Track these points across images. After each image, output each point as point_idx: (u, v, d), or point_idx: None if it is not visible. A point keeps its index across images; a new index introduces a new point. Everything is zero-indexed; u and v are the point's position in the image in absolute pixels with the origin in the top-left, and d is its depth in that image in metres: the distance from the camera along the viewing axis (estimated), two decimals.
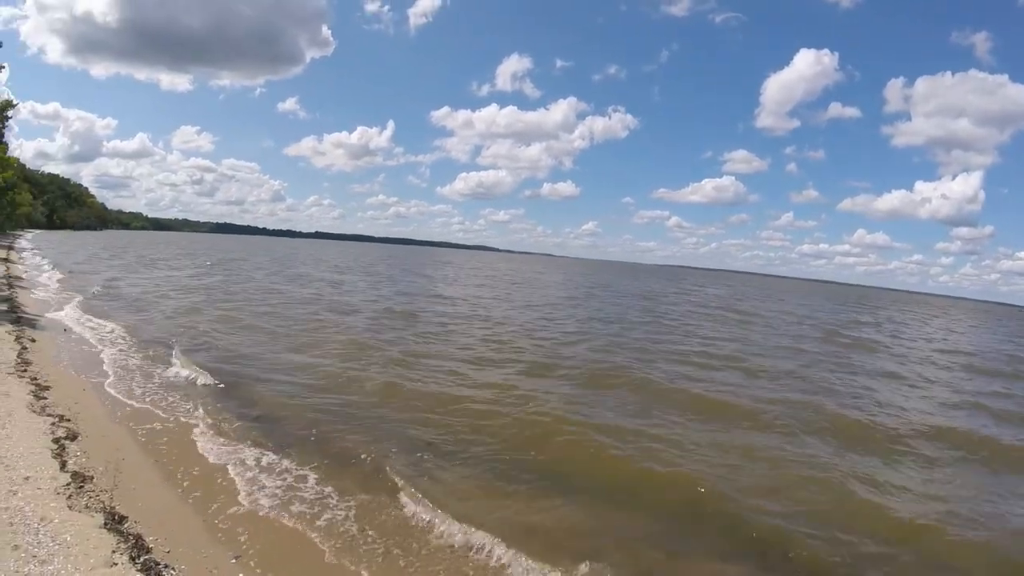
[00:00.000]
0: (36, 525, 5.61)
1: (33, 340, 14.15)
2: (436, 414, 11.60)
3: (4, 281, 25.63)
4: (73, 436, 8.43)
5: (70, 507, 6.20)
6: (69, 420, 9.06)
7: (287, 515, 7.23)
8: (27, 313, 18.19)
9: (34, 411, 9.11)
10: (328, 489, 7.99)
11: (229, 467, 8.47)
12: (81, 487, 6.81)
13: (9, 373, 10.86)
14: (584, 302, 42.47)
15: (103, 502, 6.55)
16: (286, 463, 8.70)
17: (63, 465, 7.31)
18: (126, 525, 6.10)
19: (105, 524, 5.97)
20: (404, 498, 7.82)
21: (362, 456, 9.25)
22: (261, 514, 7.20)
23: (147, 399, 11.24)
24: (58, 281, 29.70)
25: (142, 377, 12.78)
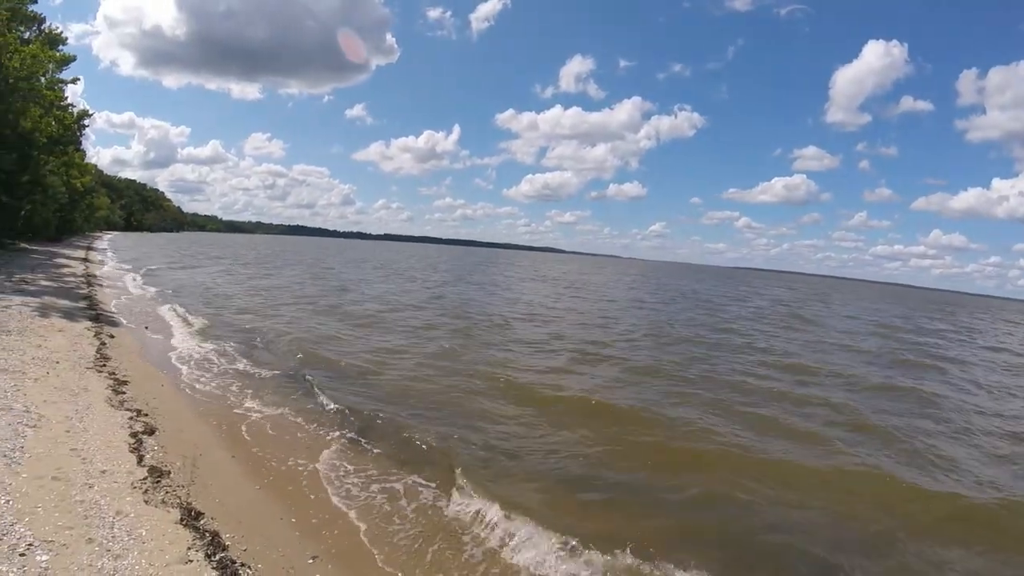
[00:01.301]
0: (111, 519, 5.77)
1: (112, 336, 15.01)
2: (521, 419, 11.54)
3: (83, 279, 27.66)
4: (151, 430, 8.78)
5: (146, 502, 6.36)
6: (147, 415, 9.48)
7: (368, 515, 7.25)
8: (106, 310, 19.46)
9: (112, 405, 9.58)
10: (418, 493, 7.98)
11: (312, 464, 8.64)
12: (158, 482, 7.02)
13: (88, 368, 11.49)
14: (669, 309, 41.48)
15: (180, 497, 6.71)
16: (372, 465, 8.79)
17: (140, 459, 7.59)
18: (203, 521, 6.20)
19: (181, 520, 6.09)
20: (495, 512, 7.50)
21: (455, 461, 9.14)
22: (342, 513, 7.25)
23: (226, 395, 11.77)
24: (136, 279, 31.77)
25: (221, 372, 13.47)
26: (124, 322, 17.98)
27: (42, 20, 34.62)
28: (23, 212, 41.77)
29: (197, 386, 12.12)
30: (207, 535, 5.85)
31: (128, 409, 9.53)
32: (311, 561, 5.97)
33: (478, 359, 16.45)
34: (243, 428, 10.00)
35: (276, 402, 11.45)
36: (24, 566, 4.73)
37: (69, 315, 16.65)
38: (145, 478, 7.02)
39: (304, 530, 6.67)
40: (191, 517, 6.21)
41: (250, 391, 12.08)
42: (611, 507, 7.99)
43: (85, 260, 40.41)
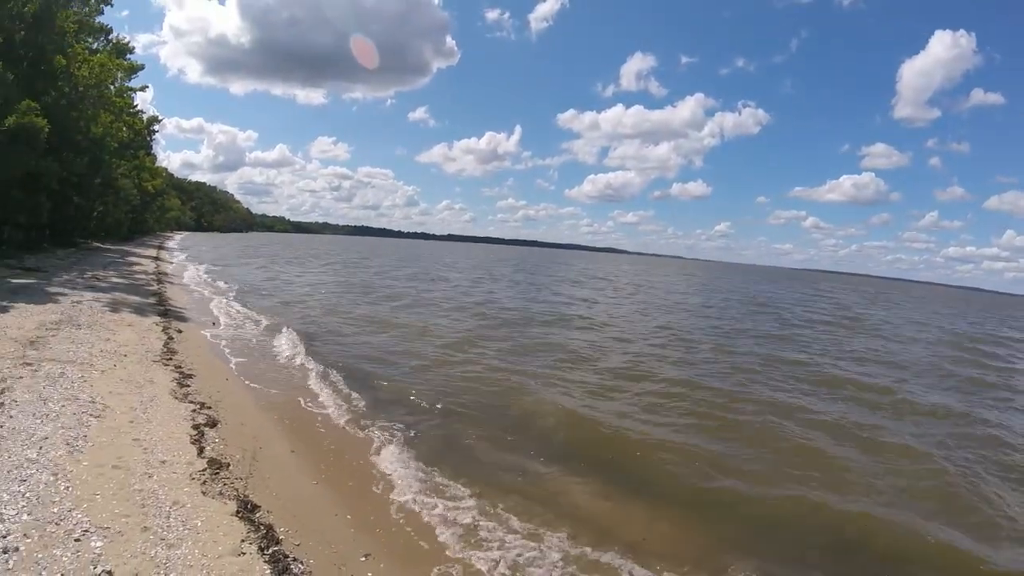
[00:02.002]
0: (168, 509, 5.92)
1: (179, 331, 15.68)
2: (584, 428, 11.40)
3: (154, 277, 29.32)
4: (213, 423, 9.06)
5: (203, 493, 6.51)
6: (210, 407, 9.82)
7: (425, 515, 7.23)
8: (174, 306, 20.42)
9: (176, 398, 9.95)
10: (482, 506, 7.78)
11: (369, 462, 8.77)
12: (216, 473, 7.20)
13: (154, 361, 12.00)
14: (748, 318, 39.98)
15: (237, 489, 6.84)
16: (434, 468, 8.73)
17: (200, 451, 7.80)
18: (258, 514, 6.29)
19: (237, 512, 6.18)
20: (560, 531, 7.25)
21: (522, 469, 9.09)
22: (397, 512, 7.24)
23: (289, 390, 12.10)
24: (205, 277, 33.34)
25: (285, 367, 13.95)
26: (192, 317, 18.82)
27: (109, 31, 36.42)
28: (96, 213, 45.32)
29: (261, 380, 12.51)
30: (261, 528, 5.93)
31: (192, 402, 9.88)
32: (363, 559, 5.96)
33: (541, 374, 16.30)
34: (305, 423, 10.27)
35: (340, 399, 11.70)
36: (79, 551, 4.89)
37: (139, 310, 17.53)
38: (204, 469, 7.21)
39: (359, 526, 6.70)
40: (247, 510, 6.31)
41: (314, 387, 12.44)
42: None
43: (156, 258, 43.09)
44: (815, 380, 16.57)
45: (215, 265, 42.10)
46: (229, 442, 8.45)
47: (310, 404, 11.20)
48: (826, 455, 10.57)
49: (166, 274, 32.31)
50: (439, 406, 11.71)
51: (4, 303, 14.94)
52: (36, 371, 9.76)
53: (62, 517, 5.33)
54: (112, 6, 34.72)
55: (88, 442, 7.25)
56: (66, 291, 18.91)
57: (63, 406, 8.33)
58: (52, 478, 6.07)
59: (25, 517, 5.25)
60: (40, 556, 4.77)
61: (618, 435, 10.81)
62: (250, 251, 68.01)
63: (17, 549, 4.79)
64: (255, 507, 6.47)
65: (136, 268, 32.94)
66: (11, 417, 7.62)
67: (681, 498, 8.48)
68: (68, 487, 5.91)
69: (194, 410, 9.45)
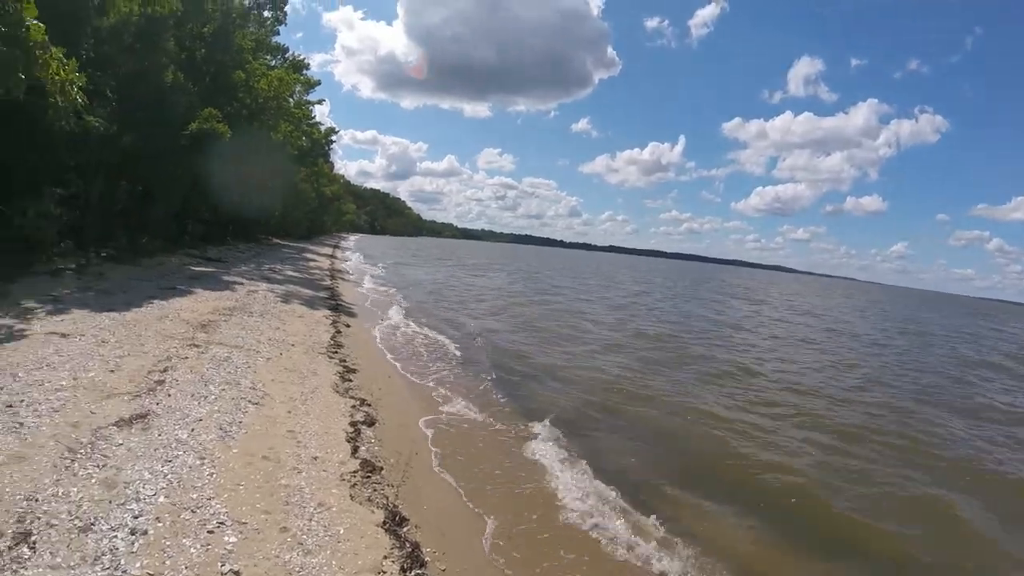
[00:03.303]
0: (311, 510, 5.68)
1: (347, 326, 16.26)
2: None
3: (328, 273, 31.46)
4: (371, 422, 8.95)
5: (352, 497, 6.24)
6: (369, 405, 9.79)
7: (583, 547, 6.53)
8: (345, 301, 21.50)
9: (337, 391, 10.04)
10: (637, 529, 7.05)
11: (536, 483, 8.19)
12: (368, 476, 6.94)
13: (320, 353, 12.34)
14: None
15: (387, 497, 6.51)
16: (612, 493, 8.04)
17: (355, 450, 7.63)
18: (405, 529, 5.88)
19: (384, 523, 5.82)
20: None
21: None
22: (561, 546, 6.53)
23: (454, 395, 11.78)
24: (377, 275, 35.16)
25: (452, 372, 13.74)
26: (361, 314, 19.65)
27: (285, 50, 41.18)
28: (277, 213, 51.27)
29: (426, 383, 12.45)
30: (407, 545, 5.48)
31: (352, 397, 9.90)
32: None
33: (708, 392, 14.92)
34: (468, 433, 9.87)
35: (508, 412, 11.26)
36: (209, 544, 4.72)
37: (310, 303, 18.52)
38: (356, 471, 6.98)
39: (512, 557, 6.10)
40: (395, 522, 5.92)
41: (482, 396, 12.08)
42: None
43: (331, 256, 46.81)
44: None
45: (387, 265, 44.60)
46: (385, 444, 8.24)
47: (475, 413, 10.81)
48: None
49: (340, 271, 34.69)
50: (623, 429, 11.03)
51: (183, 287, 16.37)
52: (202, 353, 10.30)
53: (200, 505, 5.26)
54: (286, 25, 39.78)
55: (242, 429, 7.32)
56: (243, 281, 20.62)
57: (223, 390, 8.60)
58: (198, 462, 6.10)
59: (162, 499, 5.23)
60: (168, 544, 4.66)
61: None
62: (421, 254, 71.72)
63: (146, 532, 4.73)
64: (403, 520, 6.07)
65: (311, 264, 35.68)
66: (169, 395, 7.93)
67: None
68: (212, 473, 5.89)
69: (353, 406, 9.43)
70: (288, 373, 10.31)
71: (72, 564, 4.29)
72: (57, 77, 13.10)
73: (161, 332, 11.37)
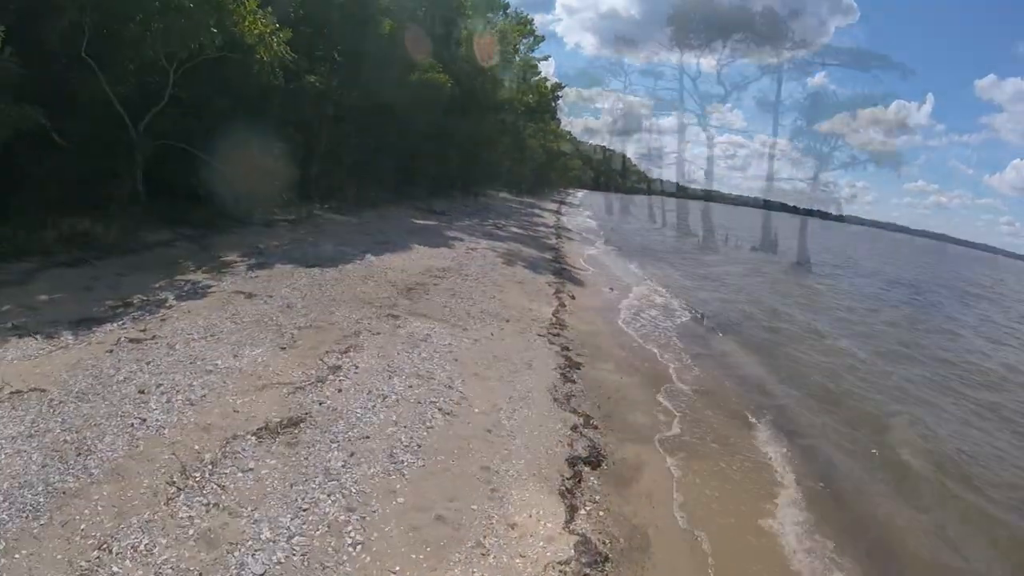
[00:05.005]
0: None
1: (572, 297, 13.83)
2: None
3: (553, 231, 29.87)
4: (596, 460, 6.35)
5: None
6: (596, 425, 7.17)
7: None
8: (570, 265, 19.26)
9: (555, 398, 7.62)
10: None
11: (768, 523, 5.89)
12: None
13: (540, 335, 10.09)
14: None
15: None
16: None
17: (571, 516, 5.12)
18: None
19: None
20: None
21: None
22: None
23: (720, 427, 8.28)
24: (605, 235, 33.00)
25: (714, 382, 10.12)
26: (588, 281, 16.99)
27: (507, 6, 41.10)
28: (504, 168, 54.91)
29: (674, 392, 9.16)
30: None
31: (575, 411, 7.29)
32: None
33: None
34: (699, 449, 7.21)
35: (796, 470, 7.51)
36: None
37: (532, 266, 16.51)
38: (569, 560, 4.49)
39: None
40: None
41: (754, 433, 8.44)
42: None
43: (556, 212, 45.45)
44: None
45: (614, 223, 42.20)
46: (614, 502, 5.57)
47: (749, 454, 7.46)
48: None
49: (567, 229, 32.79)
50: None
51: (400, 242, 15.07)
52: (398, 327, 8.55)
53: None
54: None
55: (417, 460, 5.25)
56: (463, 237, 19.29)
57: (409, 387, 6.65)
58: (343, 517, 4.25)
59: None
60: None
61: None
62: (654, 215, 66.81)
63: None
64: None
65: (536, 220, 34.23)
66: (339, 391, 6.19)
67: None
68: (354, 545, 3.98)
69: (575, 427, 6.85)
70: (496, 364, 8.12)
71: None
72: (255, 31, 13.12)
73: (359, 296, 9.90)
